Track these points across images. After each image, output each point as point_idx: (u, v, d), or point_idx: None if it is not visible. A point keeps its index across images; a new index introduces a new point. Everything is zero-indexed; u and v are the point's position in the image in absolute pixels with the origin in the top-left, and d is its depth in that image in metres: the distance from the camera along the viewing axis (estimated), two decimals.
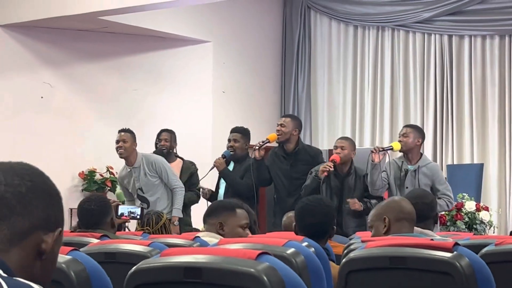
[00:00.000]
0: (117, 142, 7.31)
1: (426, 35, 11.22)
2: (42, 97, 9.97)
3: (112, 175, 10.03)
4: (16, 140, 9.64)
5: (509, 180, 10.53)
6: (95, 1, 8.93)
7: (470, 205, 8.52)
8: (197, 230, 6.14)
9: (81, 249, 2.83)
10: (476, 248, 3.34)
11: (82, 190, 10.09)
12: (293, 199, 6.93)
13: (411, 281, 2.94)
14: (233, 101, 11.36)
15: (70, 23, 9.67)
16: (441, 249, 2.90)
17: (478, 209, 8.56)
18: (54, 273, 2.39)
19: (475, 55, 10.86)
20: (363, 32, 11.72)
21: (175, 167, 7.71)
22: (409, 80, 11.27)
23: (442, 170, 10.58)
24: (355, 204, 6.86)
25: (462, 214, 8.50)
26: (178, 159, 7.97)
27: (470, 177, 9.25)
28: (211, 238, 4.01)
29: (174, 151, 8.09)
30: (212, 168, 7.49)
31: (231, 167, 7.54)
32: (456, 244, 2.94)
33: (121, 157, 7.36)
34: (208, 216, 4.29)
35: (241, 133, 7.57)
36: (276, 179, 7.38)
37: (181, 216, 7.34)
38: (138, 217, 6.29)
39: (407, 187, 6.83)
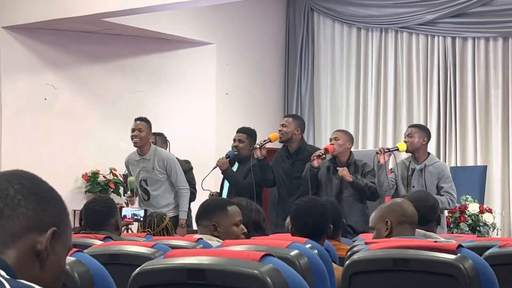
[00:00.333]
0: (133, 130, 7.32)
1: (429, 37, 11.21)
2: (45, 99, 9.98)
3: (115, 177, 10.03)
4: (20, 142, 9.65)
5: None
6: (98, 3, 8.94)
7: (473, 207, 8.51)
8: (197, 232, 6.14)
9: (84, 251, 2.83)
10: (479, 250, 3.34)
11: (86, 191, 10.10)
12: (294, 199, 6.94)
13: (415, 283, 2.94)
14: (236, 103, 11.36)
15: (73, 25, 9.68)
16: (445, 251, 2.90)
17: (482, 211, 8.56)
18: None
19: (478, 57, 10.85)
20: (367, 34, 11.71)
21: None
22: (412, 82, 11.27)
23: None
24: (343, 171, 6.86)
25: (466, 216, 8.49)
26: None
27: (473, 179, 9.24)
28: (210, 240, 3.99)
29: (168, 150, 8.08)
30: (215, 167, 7.50)
31: (235, 167, 7.54)
32: (460, 246, 2.94)
33: (135, 146, 7.35)
34: (200, 218, 4.20)
35: (247, 133, 7.58)
36: (278, 179, 7.40)
37: (186, 218, 7.35)
38: (141, 219, 6.29)
39: (413, 186, 6.85)
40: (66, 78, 10.18)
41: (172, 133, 9.86)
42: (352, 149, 7.24)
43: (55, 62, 10.07)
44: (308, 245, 3.28)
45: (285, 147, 7.46)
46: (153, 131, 8.10)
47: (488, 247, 3.58)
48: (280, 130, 7.38)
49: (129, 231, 7.33)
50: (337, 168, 6.93)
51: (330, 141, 7.14)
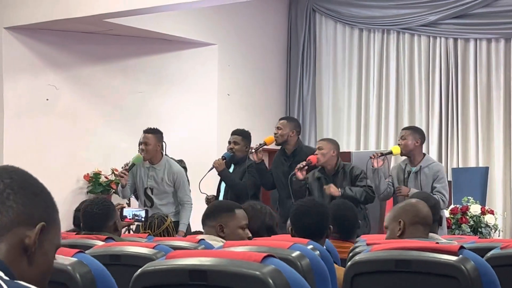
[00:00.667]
0: (140, 144, 7.31)
1: (431, 38, 11.21)
2: (47, 99, 9.98)
3: (117, 177, 10.03)
4: (21, 142, 9.65)
5: None
6: (101, 4, 8.94)
7: (475, 209, 8.51)
8: (198, 233, 6.14)
9: (86, 251, 2.83)
10: (481, 251, 3.34)
11: (87, 192, 10.09)
12: (292, 201, 6.98)
13: (417, 285, 2.94)
14: (238, 103, 11.36)
15: (76, 25, 9.68)
16: (447, 253, 2.90)
17: (483, 213, 8.55)
18: (60, 275, 2.39)
19: (480, 58, 10.84)
20: (368, 35, 11.71)
21: None
22: (414, 83, 11.26)
23: (446, 172, 10.61)
24: (330, 188, 6.85)
25: (467, 217, 8.48)
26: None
27: (475, 181, 9.23)
28: (213, 241, 4.00)
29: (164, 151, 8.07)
30: (212, 168, 7.50)
31: (231, 169, 7.56)
32: (462, 247, 2.94)
33: (144, 160, 7.32)
34: (207, 218, 4.26)
35: (241, 135, 7.60)
36: (278, 181, 7.42)
37: (184, 230, 7.34)
38: (142, 220, 6.27)
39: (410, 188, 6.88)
40: (68, 78, 10.18)
41: (174, 133, 9.87)
42: (353, 150, 7.25)
43: (57, 62, 10.07)
44: (310, 246, 3.28)
45: (282, 150, 7.50)
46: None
47: (489, 249, 3.57)
48: (275, 133, 7.41)
49: (130, 232, 7.33)
50: (324, 187, 6.91)
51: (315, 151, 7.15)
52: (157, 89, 10.77)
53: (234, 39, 11.35)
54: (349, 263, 3.15)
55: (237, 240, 3.92)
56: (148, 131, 7.34)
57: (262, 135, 8.36)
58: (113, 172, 10.06)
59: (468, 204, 8.57)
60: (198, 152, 10.12)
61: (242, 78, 11.47)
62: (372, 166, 6.87)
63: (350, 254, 3.81)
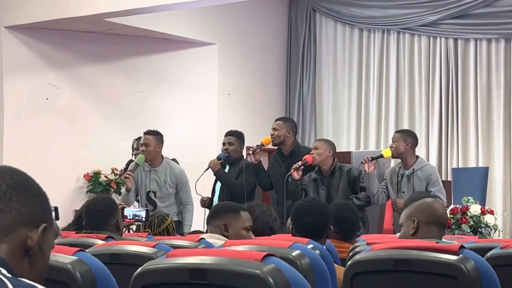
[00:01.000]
0: (140, 145, 7.33)
1: (431, 38, 11.21)
2: (47, 99, 9.98)
3: (117, 177, 10.03)
4: (21, 142, 9.65)
5: None
6: (101, 3, 8.94)
7: (475, 209, 8.50)
8: (200, 232, 6.13)
9: (86, 250, 2.83)
10: (481, 251, 3.34)
11: (87, 191, 10.09)
12: (290, 202, 6.99)
13: (417, 284, 2.94)
14: (238, 103, 11.36)
15: (76, 24, 9.68)
16: (447, 252, 2.90)
17: (483, 213, 8.54)
18: (60, 273, 2.39)
19: (480, 58, 10.84)
20: (369, 35, 11.71)
21: None
22: (414, 83, 11.26)
23: (446, 172, 10.61)
24: None
25: (467, 217, 8.48)
26: None
27: (475, 181, 9.23)
28: (215, 240, 4.01)
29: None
30: (207, 169, 7.50)
31: (226, 170, 7.56)
32: (462, 247, 2.94)
33: (144, 161, 7.33)
34: (212, 217, 4.29)
35: (235, 136, 7.62)
36: (275, 182, 7.44)
37: (188, 232, 7.34)
38: (143, 220, 6.27)
39: (403, 192, 6.91)
40: (68, 78, 10.18)
41: (174, 133, 9.88)
42: (353, 150, 7.26)
43: (57, 62, 10.07)
44: (310, 246, 3.28)
45: (279, 150, 7.52)
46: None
47: (489, 249, 3.57)
48: (272, 134, 7.43)
49: (130, 231, 7.33)
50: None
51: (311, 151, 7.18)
52: (157, 88, 10.77)
53: (234, 39, 11.35)
54: (349, 262, 3.15)
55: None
56: (149, 132, 7.35)
57: (262, 134, 8.36)
58: (113, 172, 10.06)
59: (468, 204, 8.56)
60: (198, 152, 10.11)
61: (242, 78, 11.47)
62: (364, 171, 6.90)
63: (350, 254, 3.81)
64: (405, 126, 11.06)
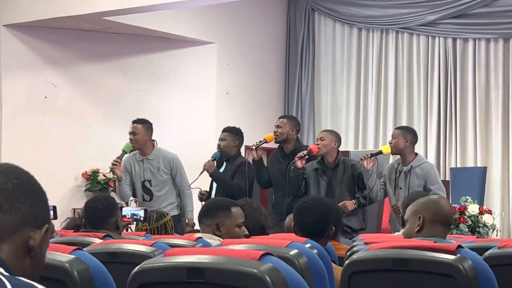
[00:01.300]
0: (129, 133, 7.33)
1: (430, 38, 11.21)
2: (45, 97, 9.98)
3: (115, 176, 10.02)
4: (20, 140, 9.65)
5: None
6: (100, 2, 8.93)
7: (473, 208, 8.50)
8: (197, 231, 6.13)
9: (84, 249, 2.83)
10: (479, 251, 3.33)
11: (85, 190, 10.09)
12: (290, 199, 6.99)
13: (414, 283, 2.94)
14: (237, 102, 11.36)
15: (74, 23, 9.68)
16: (444, 251, 2.90)
17: (481, 212, 8.54)
18: (58, 272, 2.39)
19: (479, 58, 10.85)
20: (367, 34, 11.71)
21: None
22: (413, 82, 11.27)
23: (445, 172, 10.61)
24: (345, 204, 6.88)
25: (465, 217, 8.48)
26: None
27: (473, 180, 9.23)
28: (211, 239, 4.01)
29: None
30: (203, 171, 7.47)
31: (223, 167, 7.54)
32: (459, 246, 2.94)
33: (133, 149, 7.33)
34: (203, 216, 4.25)
35: (228, 131, 7.58)
36: (274, 179, 7.40)
37: (192, 217, 7.32)
38: (141, 219, 6.27)
39: (400, 188, 6.91)
40: (67, 76, 10.18)
41: (172, 131, 9.88)
42: (352, 149, 7.26)
43: (55, 60, 10.07)
44: (308, 245, 3.28)
45: (281, 148, 7.48)
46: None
47: (487, 248, 3.58)
48: (275, 132, 7.40)
49: (129, 230, 7.32)
50: (341, 204, 6.85)
51: (317, 141, 7.18)
52: (155, 87, 10.77)
53: (233, 38, 11.35)
54: (346, 261, 3.15)
55: (234, 239, 3.93)
56: (136, 121, 7.35)
57: (260, 133, 8.37)
58: (111, 170, 10.05)
59: (466, 203, 8.56)
60: (197, 151, 10.10)
61: (241, 77, 11.47)
62: (364, 168, 6.89)
63: (348, 253, 3.81)
64: (404, 125, 11.06)
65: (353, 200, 6.97)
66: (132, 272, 2.38)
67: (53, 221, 3.89)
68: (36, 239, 1.57)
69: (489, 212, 8.67)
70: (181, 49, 10.92)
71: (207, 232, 4.15)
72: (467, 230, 8.38)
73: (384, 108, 11.44)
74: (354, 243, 4.23)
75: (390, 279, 3.00)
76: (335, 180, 7.02)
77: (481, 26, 10.84)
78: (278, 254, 2.42)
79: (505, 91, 10.68)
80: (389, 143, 7.12)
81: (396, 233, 5.72)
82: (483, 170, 9.61)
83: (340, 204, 6.74)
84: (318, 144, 7.08)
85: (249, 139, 8.21)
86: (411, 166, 6.93)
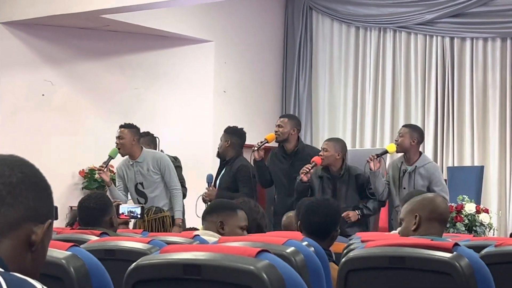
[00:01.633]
0: (116, 138, 7.33)
1: (428, 37, 11.21)
2: (43, 95, 9.97)
3: (112, 173, 10.01)
4: (17, 138, 9.64)
5: (509, 182, 10.53)
6: (97, 0, 8.93)
7: (470, 207, 8.51)
8: (194, 229, 6.12)
9: (81, 246, 2.83)
10: (476, 249, 3.34)
11: (82, 188, 10.09)
12: (293, 199, 6.95)
13: (411, 281, 2.94)
14: (234, 100, 11.36)
15: (72, 21, 9.67)
16: (441, 249, 2.90)
17: (478, 211, 8.55)
18: (54, 268, 2.39)
19: (476, 57, 10.85)
20: (365, 33, 11.71)
21: None
22: (410, 81, 11.27)
23: (442, 171, 10.61)
24: (348, 215, 6.85)
25: (462, 216, 8.49)
26: None
27: (470, 179, 9.24)
28: (209, 237, 4.01)
29: (157, 147, 8.04)
30: (199, 197, 7.42)
31: (223, 171, 7.51)
32: (456, 244, 2.94)
33: (121, 155, 7.34)
34: (208, 213, 4.29)
35: (225, 131, 7.57)
36: (276, 179, 7.37)
37: (182, 217, 7.31)
38: (138, 216, 6.27)
39: (404, 188, 6.85)
40: (64, 74, 10.18)
41: (169, 130, 9.88)
42: (349, 148, 7.20)
43: (53, 58, 10.06)
44: (305, 243, 3.28)
45: (281, 147, 7.42)
46: (147, 129, 8.06)
47: (484, 246, 3.58)
48: (276, 131, 7.35)
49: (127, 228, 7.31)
50: (345, 215, 6.81)
51: (320, 151, 7.11)
52: (153, 85, 10.77)
53: (231, 36, 11.35)
54: (343, 259, 3.15)
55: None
56: (123, 125, 7.34)
57: (258, 132, 8.37)
58: (108, 168, 10.04)
59: (463, 202, 8.57)
60: (194, 149, 10.12)
61: (238, 75, 11.47)
62: (371, 169, 6.84)
63: (345, 251, 3.81)
64: (401, 124, 11.06)
65: (357, 211, 6.92)
66: (129, 268, 2.38)
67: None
68: (38, 234, 1.56)
69: (486, 211, 8.68)
70: (179, 47, 10.92)
71: (210, 229, 4.17)
72: (464, 229, 8.39)
73: (381, 106, 11.45)
74: (351, 241, 4.23)
75: (386, 277, 3.00)
76: (339, 190, 6.98)
77: (478, 25, 10.85)
78: (274, 252, 2.42)
79: (502, 90, 10.68)
80: (395, 140, 7.03)
81: (393, 232, 5.70)
82: (480, 169, 9.62)
83: (343, 214, 6.69)
84: (321, 155, 7.01)
85: (247, 138, 8.20)
86: (415, 166, 6.83)
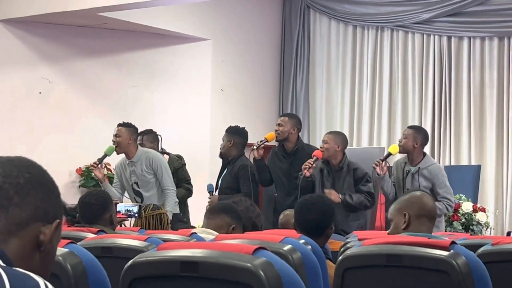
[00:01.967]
0: (113, 136, 7.31)
1: (425, 36, 11.22)
2: (40, 93, 9.96)
3: (109, 172, 10.01)
4: (14, 136, 9.63)
5: (506, 181, 10.53)
6: None
7: (467, 206, 8.52)
8: (192, 227, 6.13)
9: (78, 243, 2.83)
10: (472, 248, 3.33)
11: (79, 186, 10.08)
12: (292, 198, 6.93)
13: (408, 279, 2.94)
14: (231, 99, 11.36)
15: (70, 19, 9.67)
16: (438, 248, 2.90)
17: (475, 210, 8.57)
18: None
19: (474, 56, 10.86)
20: (362, 32, 11.71)
21: None
22: (407, 80, 11.27)
23: None
24: (331, 195, 6.84)
25: (459, 215, 8.50)
26: (164, 154, 7.87)
27: (467, 179, 9.24)
28: (207, 234, 4.02)
29: (159, 145, 8.03)
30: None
31: (225, 171, 7.51)
32: (453, 242, 2.94)
33: (116, 153, 7.33)
34: (220, 212, 4.33)
35: (226, 131, 7.57)
36: (276, 178, 7.36)
37: (170, 218, 7.28)
38: (135, 215, 6.27)
39: (407, 189, 6.81)
40: (61, 72, 10.16)
41: (167, 128, 9.86)
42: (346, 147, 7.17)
43: (50, 56, 10.05)
44: (302, 241, 3.29)
45: (281, 146, 7.41)
46: (144, 127, 8.05)
47: (481, 245, 3.58)
48: (276, 130, 7.34)
49: (123, 226, 7.31)
50: (326, 191, 6.86)
51: (321, 144, 7.12)
52: (150, 83, 10.76)
53: (228, 35, 11.35)
54: (340, 257, 3.15)
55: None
56: (121, 124, 7.32)
57: (256, 130, 8.37)
58: (105, 166, 10.03)
59: (460, 201, 8.58)
60: (191, 147, 10.10)
61: (235, 74, 11.47)
62: (378, 174, 6.83)
63: (342, 249, 3.81)
64: (398, 123, 11.09)
65: (340, 195, 6.89)
66: (125, 266, 2.38)
67: None
68: (47, 234, 1.57)
69: (483, 210, 8.70)
70: (176, 46, 10.91)
71: (217, 227, 4.20)
72: (460, 228, 8.41)
73: (378, 105, 11.45)
74: (348, 240, 4.23)
75: (383, 275, 3.00)
76: (338, 183, 6.98)
77: (476, 24, 10.85)
78: (272, 249, 2.42)
79: (499, 89, 10.69)
80: (399, 141, 7.02)
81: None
82: (477, 168, 9.63)
83: (326, 191, 6.76)
84: (321, 147, 7.01)
85: None
86: (419, 168, 6.80)
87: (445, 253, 2.85)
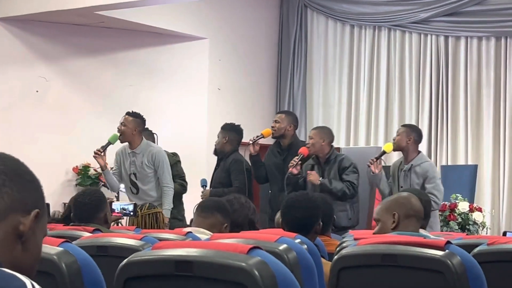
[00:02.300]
0: (120, 123, 7.28)
1: (422, 36, 11.22)
2: (37, 91, 9.95)
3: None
4: (11, 134, 9.62)
5: (502, 181, 10.54)
6: None
7: (463, 206, 8.53)
8: (186, 226, 6.13)
9: (73, 242, 2.82)
10: (468, 247, 3.34)
11: (76, 185, 10.07)
12: (286, 194, 6.95)
13: (403, 279, 2.94)
14: (229, 98, 11.35)
15: (67, 17, 9.66)
16: (433, 247, 2.90)
17: (472, 210, 8.57)
18: (46, 264, 2.38)
19: (471, 56, 10.86)
20: (360, 31, 11.71)
21: None
22: (404, 80, 11.28)
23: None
24: (311, 176, 6.87)
25: (455, 214, 8.51)
26: None
27: (464, 178, 9.25)
28: (201, 234, 4.01)
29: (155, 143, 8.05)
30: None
31: (219, 167, 7.53)
32: (448, 242, 2.94)
33: (120, 141, 7.30)
34: (212, 210, 4.32)
35: (222, 128, 7.60)
36: (271, 174, 7.39)
37: (169, 216, 7.28)
38: (130, 214, 6.26)
39: (401, 186, 6.85)
40: (58, 70, 10.16)
41: (164, 127, 9.86)
42: (343, 146, 7.23)
43: (47, 54, 10.04)
44: (297, 240, 3.28)
45: (277, 143, 7.47)
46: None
47: (476, 245, 3.58)
48: (273, 126, 7.38)
49: (119, 225, 7.31)
50: (308, 171, 6.92)
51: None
52: (147, 82, 10.76)
53: (226, 34, 11.34)
54: (335, 257, 3.15)
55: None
56: (129, 113, 7.30)
57: (252, 129, 8.36)
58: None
59: (457, 201, 8.59)
60: (188, 146, 10.10)
61: (232, 73, 11.46)
62: (373, 173, 6.86)
63: (338, 248, 3.81)
64: (395, 122, 11.08)
65: (320, 178, 6.92)
66: (120, 264, 2.37)
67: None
68: (26, 224, 1.56)
69: (479, 210, 8.70)
70: (173, 44, 10.91)
71: (212, 225, 4.20)
72: (457, 227, 8.41)
73: (375, 105, 11.46)
74: (344, 239, 4.23)
75: (378, 274, 3.00)
76: (327, 175, 7.02)
77: (473, 24, 10.85)
78: (267, 249, 2.42)
79: (496, 89, 10.69)
80: (393, 139, 7.07)
81: None
82: (474, 168, 9.63)
83: (308, 172, 6.79)
84: (307, 144, 7.07)
85: None
86: (411, 165, 6.85)
87: (440, 253, 2.85)
